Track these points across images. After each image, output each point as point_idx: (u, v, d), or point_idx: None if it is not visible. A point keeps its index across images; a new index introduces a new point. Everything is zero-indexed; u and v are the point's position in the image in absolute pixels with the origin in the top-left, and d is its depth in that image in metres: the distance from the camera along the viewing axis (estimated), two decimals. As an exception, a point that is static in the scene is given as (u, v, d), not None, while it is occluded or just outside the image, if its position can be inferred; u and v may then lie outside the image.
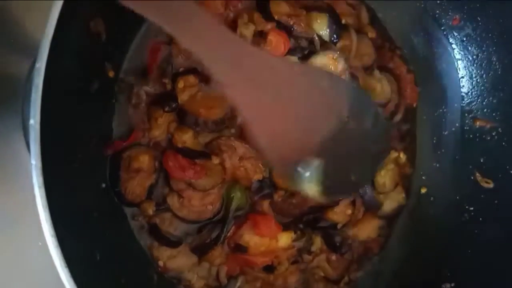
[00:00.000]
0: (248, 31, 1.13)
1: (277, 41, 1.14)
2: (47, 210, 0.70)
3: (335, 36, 1.21)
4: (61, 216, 0.73)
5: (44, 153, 0.71)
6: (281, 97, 0.88)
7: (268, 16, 1.15)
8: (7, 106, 1.13)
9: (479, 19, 1.19)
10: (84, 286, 0.76)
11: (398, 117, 1.32)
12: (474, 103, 1.25)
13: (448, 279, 1.17)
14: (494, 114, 1.21)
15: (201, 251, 1.15)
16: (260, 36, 1.14)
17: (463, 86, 1.28)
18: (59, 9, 0.71)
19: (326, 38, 1.21)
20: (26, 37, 1.13)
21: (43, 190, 0.70)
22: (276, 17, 1.15)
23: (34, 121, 0.68)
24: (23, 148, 1.14)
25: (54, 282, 1.10)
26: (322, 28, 1.20)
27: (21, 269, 1.15)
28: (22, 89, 1.13)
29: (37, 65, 0.69)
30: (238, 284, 1.20)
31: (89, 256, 0.88)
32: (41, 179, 0.69)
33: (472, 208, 1.21)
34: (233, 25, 1.13)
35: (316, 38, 1.20)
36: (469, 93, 1.26)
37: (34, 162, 0.69)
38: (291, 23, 1.17)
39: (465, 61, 1.26)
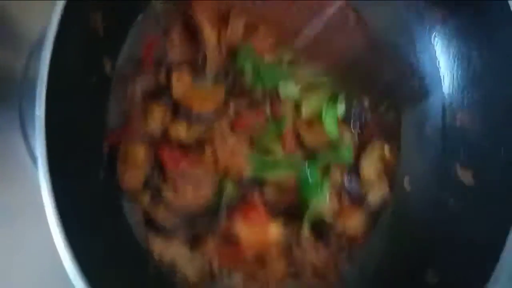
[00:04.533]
0: (240, 22, 1.14)
1: (268, 33, 1.16)
2: (52, 195, 0.72)
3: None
4: (63, 205, 0.75)
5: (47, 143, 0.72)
6: None
7: (259, 10, 1.18)
8: (4, 103, 1.13)
9: (461, 15, 1.21)
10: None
11: (382, 108, 1.35)
12: (456, 96, 1.28)
13: (432, 271, 1.17)
14: (475, 107, 1.23)
15: (193, 242, 1.17)
16: (251, 27, 1.15)
17: (444, 80, 1.30)
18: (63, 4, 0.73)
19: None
20: (22, 34, 1.13)
21: (48, 176, 0.71)
22: (267, 12, 1.18)
23: (40, 112, 0.70)
24: (21, 145, 1.14)
25: (53, 267, 1.12)
26: (311, 23, 1.22)
27: (21, 257, 1.16)
28: (18, 85, 1.13)
29: (42, 55, 0.70)
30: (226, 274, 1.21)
31: (93, 246, 0.90)
32: (46, 167, 0.71)
33: (454, 200, 1.22)
34: (225, 16, 1.14)
35: (306, 32, 1.23)
36: (450, 87, 1.29)
37: (40, 150, 0.70)
38: (282, 18, 1.19)
39: (446, 56, 1.29)
